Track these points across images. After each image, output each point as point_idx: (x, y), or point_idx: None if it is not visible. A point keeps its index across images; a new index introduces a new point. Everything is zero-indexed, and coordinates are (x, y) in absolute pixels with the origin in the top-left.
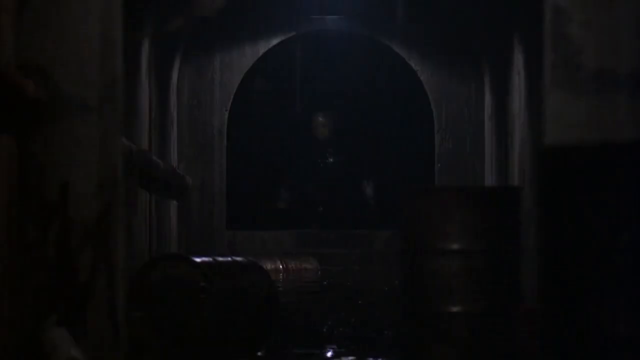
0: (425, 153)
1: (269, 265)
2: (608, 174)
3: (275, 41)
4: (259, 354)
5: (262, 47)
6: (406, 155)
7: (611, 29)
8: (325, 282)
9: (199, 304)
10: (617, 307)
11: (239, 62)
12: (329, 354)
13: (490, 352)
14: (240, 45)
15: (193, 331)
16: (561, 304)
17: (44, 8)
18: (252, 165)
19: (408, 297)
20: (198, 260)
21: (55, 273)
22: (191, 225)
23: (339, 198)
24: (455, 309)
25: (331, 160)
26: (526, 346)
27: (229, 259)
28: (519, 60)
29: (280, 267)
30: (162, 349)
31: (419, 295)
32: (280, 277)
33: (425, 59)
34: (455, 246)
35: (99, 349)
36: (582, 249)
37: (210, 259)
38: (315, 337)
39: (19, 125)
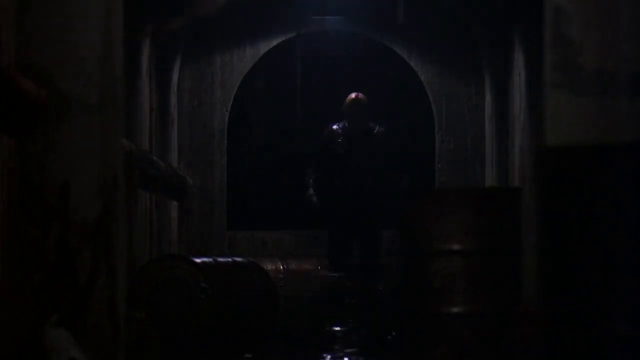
0: (425, 153)
1: (269, 266)
2: (608, 174)
3: (275, 41)
4: (259, 354)
5: (263, 48)
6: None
7: (611, 29)
8: (325, 283)
9: (199, 304)
10: (617, 307)
11: (239, 62)
12: (330, 354)
13: (490, 352)
14: (240, 46)
15: (193, 331)
16: (561, 304)
17: (44, 8)
18: (252, 165)
19: (408, 297)
20: (198, 260)
21: (55, 273)
22: (191, 226)
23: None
24: (455, 309)
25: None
26: (526, 346)
27: (229, 259)
28: (519, 60)
29: (281, 267)
30: (162, 349)
31: (419, 295)
32: (281, 277)
33: (425, 59)
34: (455, 246)
35: (99, 349)
36: (582, 249)
37: (211, 260)
38: (315, 337)
39: (19, 125)
